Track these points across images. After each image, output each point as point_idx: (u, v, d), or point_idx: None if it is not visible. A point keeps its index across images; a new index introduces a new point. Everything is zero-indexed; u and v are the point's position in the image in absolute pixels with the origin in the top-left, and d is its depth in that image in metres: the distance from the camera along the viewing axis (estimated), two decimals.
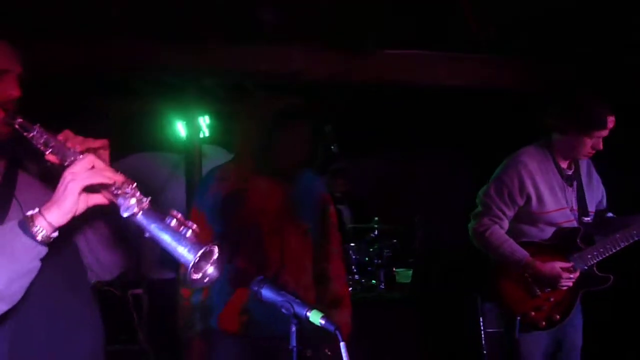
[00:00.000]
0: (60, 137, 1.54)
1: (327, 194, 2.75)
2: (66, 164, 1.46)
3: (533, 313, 2.92)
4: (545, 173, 2.98)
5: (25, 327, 1.53)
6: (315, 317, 1.62)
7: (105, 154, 1.59)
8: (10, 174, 1.65)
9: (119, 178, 1.43)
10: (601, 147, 2.88)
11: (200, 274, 1.40)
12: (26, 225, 1.38)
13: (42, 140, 1.52)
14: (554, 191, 2.97)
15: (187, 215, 1.94)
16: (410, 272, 5.17)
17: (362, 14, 3.57)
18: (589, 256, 2.91)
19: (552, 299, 2.93)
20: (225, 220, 2.46)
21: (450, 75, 4.32)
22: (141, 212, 1.38)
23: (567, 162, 3.04)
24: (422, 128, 5.70)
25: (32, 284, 1.44)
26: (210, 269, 1.41)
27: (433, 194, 6.04)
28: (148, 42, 3.81)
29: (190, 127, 5.67)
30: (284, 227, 2.52)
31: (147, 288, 4.63)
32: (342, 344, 1.57)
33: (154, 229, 1.37)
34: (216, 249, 1.40)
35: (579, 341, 3.03)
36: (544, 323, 2.92)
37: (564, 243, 2.95)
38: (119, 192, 1.41)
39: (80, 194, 1.39)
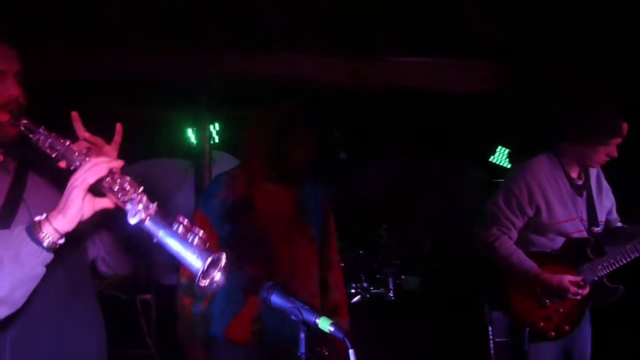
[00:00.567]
0: (67, 140, 1.54)
1: (328, 202, 2.74)
2: (72, 168, 1.47)
3: (542, 323, 2.90)
4: (555, 183, 2.95)
5: (28, 329, 1.54)
6: (325, 324, 1.62)
7: (114, 153, 1.60)
8: (19, 175, 1.66)
9: (116, 164, 1.44)
10: (616, 154, 2.86)
11: (208, 281, 1.40)
12: (33, 231, 1.39)
13: (47, 143, 1.53)
14: (564, 201, 2.95)
15: (192, 220, 1.94)
16: (419, 280, 5.16)
17: (370, 20, 3.58)
18: (599, 267, 2.89)
19: (561, 310, 2.91)
20: (233, 226, 2.46)
21: (457, 81, 4.32)
22: (148, 218, 1.39)
23: (577, 171, 3.02)
24: (429, 134, 5.69)
25: (36, 286, 1.44)
26: (217, 276, 1.42)
27: (441, 200, 6.02)
28: (157, 49, 3.83)
29: (200, 133, 5.69)
30: (292, 234, 2.52)
31: (155, 293, 4.64)
32: (351, 351, 1.57)
33: (161, 235, 1.38)
34: (224, 257, 1.41)
35: (588, 352, 3.01)
36: (553, 334, 2.90)
37: (573, 253, 2.93)
38: (126, 197, 1.41)
39: (84, 198, 1.40)
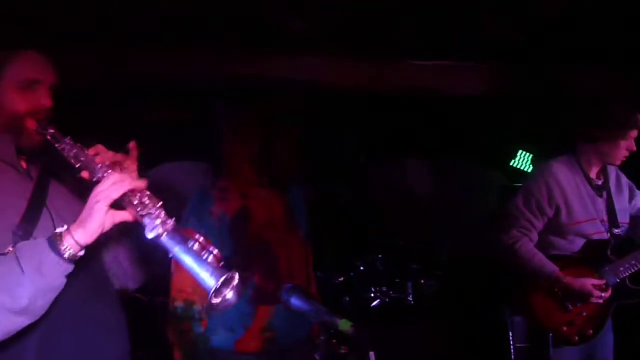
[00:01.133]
0: (91, 151, 1.57)
1: (308, 200, 2.70)
2: (94, 179, 1.50)
3: (565, 328, 2.87)
4: (574, 183, 2.95)
5: (52, 333, 1.55)
6: (345, 326, 1.61)
7: (134, 161, 1.62)
8: (42, 182, 1.68)
9: (140, 184, 1.47)
10: (634, 148, 2.85)
11: (220, 299, 1.42)
12: (54, 242, 1.41)
13: (72, 153, 1.56)
14: (583, 202, 2.93)
15: None
16: (438, 284, 5.13)
17: (389, 23, 3.57)
18: (621, 269, 2.86)
19: (584, 314, 2.88)
20: (236, 241, 2.40)
21: (475, 84, 4.30)
22: (165, 233, 1.42)
23: (596, 171, 3.00)
24: (449, 137, 5.66)
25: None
26: (229, 294, 1.43)
27: (461, 204, 5.99)
28: (171, 50, 3.85)
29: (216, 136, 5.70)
30: (286, 237, 2.50)
31: None
32: (371, 354, 1.56)
33: (177, 251, 1.41)
34: (237, 275, 1.43)
35: (610, 356, 2.97)
36: (576, 338, 2.86)
37: (594, 255, 2.90)
38: (145, 212, 1.44)
39: (106, 213, 1.42)
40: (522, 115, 4.82)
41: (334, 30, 3.65)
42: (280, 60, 4.04)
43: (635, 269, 2.85)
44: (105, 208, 1.42)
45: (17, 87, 1.64)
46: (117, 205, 1.46)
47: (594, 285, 2.82)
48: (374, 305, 4.81)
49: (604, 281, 2.84)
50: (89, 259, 1.54)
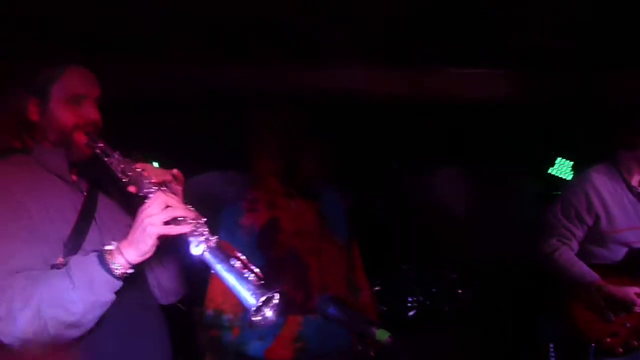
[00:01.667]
0: (139, 166, 1.61)
1: (348, 207, 2.70)
2: (141, 194, 1.54)
3: (609, 339, 2.81)
4: (614, 191, 2.90)
5: (98, 344, 1.58)
6: (382, 336, 1.60)
7: (179, 184, 1.66)
8: (91, 194, 1.73)
9: (190, 214, 1.50)
10: None
11: (260, 317, 1.45)
12: (105, 260, 1.46)
13: (120, 168, 1.60)
14: (625, 209, 2.89)
15: None
16: (475, 293, 5.07)
17: (425, 31, 3.57)
18: None
19: (628, 324, 2.81)
20: (265, 252, 2.42)
21: (513, 91, 4.25)
22: (209, 250, 1.45)
23: (638, 179, 2.95)
24: (486, 145, 5.61)
25: None
26: (269, 313, 1.46)
27: (499, 212, 5.91)
28: (212, 62, 3.91)
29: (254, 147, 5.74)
30: (320, 246, 2.50)
31: None
32: None
33: (219, 269, 1.44)
34: (277, 295, 1.45)
35: None
36: (621, 349, 2.80)
37: (637, 264, 2.84)
38: (189, 229, 1.47)
39: (157, 235, 1.46)
40: (561, 122, 4.75)
41: (368, 39, 3.65)
42: (316, 71, 4.07)
43: None
44: (157, 233, 1.46)
45: (65, 102, 1.69)
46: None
47: (638, 294, 2.76)
48: (410, 315, 4.78)
49: None
50: (133, 273, 1.57)
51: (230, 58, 3.81)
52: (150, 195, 1.53)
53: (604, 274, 2.83)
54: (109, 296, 1.47)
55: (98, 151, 1.66)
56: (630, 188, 2.92)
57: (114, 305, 1.52)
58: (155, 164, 1.75)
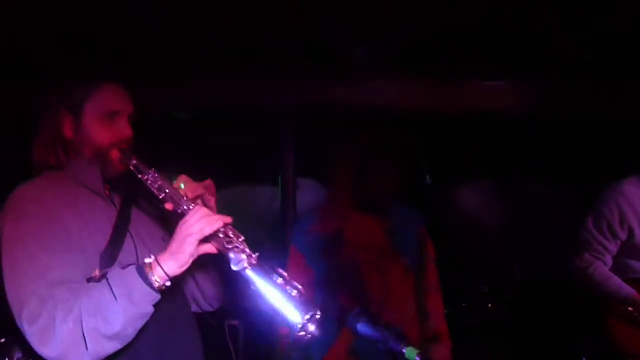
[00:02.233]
0: (176, 184, 1.65)
1: (424, 227, 2.71)
2: (179, 211, 1.57)
3: None
4: None
5: (136, 358, 1.60)
6: (411, 354, 1.60)
7: (212, 196, 1.69)
8: (125, 209, 1.76)
9: (229, 229, 1.53)
10: None
11: (304, 332, 1.45)
12: (144, 272, 1.48)
13: (156, 185, 1.64)
14: None
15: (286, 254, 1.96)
16: (508, 308, 4.99)
17: (453, 45, 3.56)
18: None
19: None
20: (327, 261, 2.48)
21: (541, 103, 4.22)
22: (250, 267, 1.47)
23: None
24: (516, 158, 5.55)
25: None
26: (312, 327, 1.46)
27: (531, 226, 5.83)
28: (237, 77, 3.96)
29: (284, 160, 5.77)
30: (384, 263, 2.51)
31: (243, 319, 4.71)
32: None
33: (261, 285, 1.45)
34: (319, 312, 1.46)
35: None
36: None
37: None
38: (230, 245, 1.50)
39: (196, 247, 1.49)
40: (591, 133, 4.69)
41: (397, 53, 3.66)
42: (346, 85, 4.09)
43: None
44: (196, 243, 1.49)
45: (99, 119, 1.73)
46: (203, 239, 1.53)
47: None
48: None
49: None
50: (171, 287, 1.60)
51: (256, 73, 3.87)
52: (189, 211, 1.56)
53: None
54: (148, 308, 1.49)
55: (131, 167, 1.70)
56: None
57: (152, 321, 1.54)
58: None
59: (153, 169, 1.68)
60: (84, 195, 1.70)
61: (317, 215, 2.60)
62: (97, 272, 1.56)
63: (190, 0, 2.78)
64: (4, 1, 2.58)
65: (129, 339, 1.50)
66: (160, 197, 1.63)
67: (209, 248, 1.54)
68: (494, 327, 4.89)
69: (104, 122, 1.73)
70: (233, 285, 1.90)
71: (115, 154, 1.73)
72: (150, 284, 1.47)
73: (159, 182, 1.65)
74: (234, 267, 1.47)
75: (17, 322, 1.48)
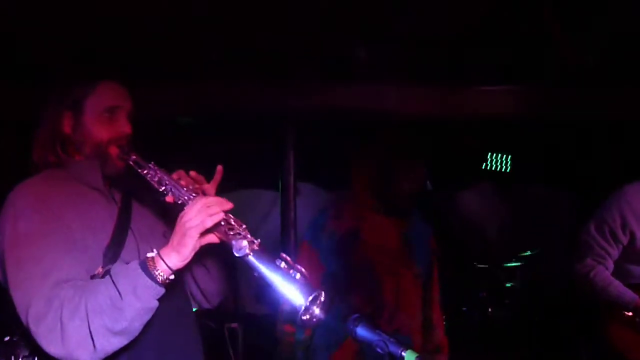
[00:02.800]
0: (175, 175, 1.65)
1: (434, 241, 2.70)
2: (180, 202, 1.57)
3: None
4: None
5: (138, 355, 1.59)
6: (411, 358, 1.59)
7: (212, 191, 1.69)
8: (126, 205, 1.76)
9: (230, 218, 1.52)
10: None
11: (309, 315, 1.45)
12: (147, 267, 1.47)
13: (156, 178, 1.63)
14: None
15: (297, 249, 1.95)
16: (508, 313, 4.99)
17: (456, 50, 3.56)
18: None
19: None
20: (341, 259, 2.46)
21: (544, 108, 4.22)
22: (253, 253, 1.46)
23: None
24: (519, 163, 5.55)
25: None
26: (317, 311, 1.46)
27: (532, 231, 5.83)
28: (242, 82, 3.96)
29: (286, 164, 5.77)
30: (398, 266, 2.49)
31: (242, 322, 4.71)
32: None
33: (264, 270, 1.45)
34: (323, 293, 1.46)
35: None
36: None
37: None
38: (232, 233, 1.49)
39: (198, 239, 1.48)
40: (598, 138, 4.70)
41: (401, 58, 3.67)
42: (350, 90, 4.09)
43: None
44: (198, 235, 1.48)
45: (98, 116, 1.73)
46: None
47: None
48: None
49: None
50: (173, 286, 1.60)
51: (260, 76, 3.87)
52: (189, 201, 1.55)
53: None
54: (153, 303, 1.48)
55: (131, 163, 1.69)
56: None
57: (154, 318, 1.53)
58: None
59: (152, 162, 1.68)
60: (84, 193, 1.69)
61: (334, 212, 2.57)
62: (100, 269, 1.56)
63: (191, 4, 2.78)
64: (4, 1, 2.58)
65: (136, 333, 1.49)
66: (161, 189, 1.63)
67: (211, 238, 1.53)
68: (494, 331, 4.89)
69: (103, 118, 1.73)
70: (233, 282, 1.90)
71: (114, 150, 1.72)
72: (154, 278, 1.47)
73: (159, 175, 1.65)
74: (236, 254, 1.46)
75: (24, 321, 1.47)
